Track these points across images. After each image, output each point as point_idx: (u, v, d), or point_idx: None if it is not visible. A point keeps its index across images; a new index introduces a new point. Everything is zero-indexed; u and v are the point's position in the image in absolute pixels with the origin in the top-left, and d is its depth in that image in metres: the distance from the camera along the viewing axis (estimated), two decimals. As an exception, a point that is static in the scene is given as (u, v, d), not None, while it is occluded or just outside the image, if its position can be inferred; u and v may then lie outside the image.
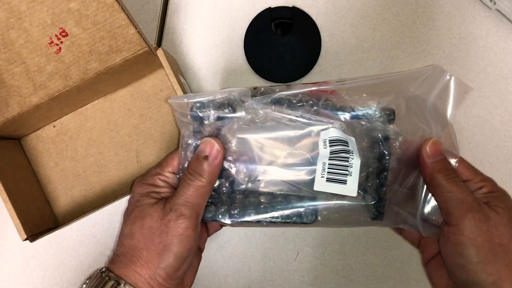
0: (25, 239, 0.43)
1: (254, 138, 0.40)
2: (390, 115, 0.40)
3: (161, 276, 0.37)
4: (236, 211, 0.40)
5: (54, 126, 0.50)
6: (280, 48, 0.49)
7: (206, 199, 0.39)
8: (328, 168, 0.39)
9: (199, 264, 0.43)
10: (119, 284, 0.37)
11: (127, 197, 0.49)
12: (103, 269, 0.39)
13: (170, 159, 0.41)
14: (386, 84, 0.40)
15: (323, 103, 0.39)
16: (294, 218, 0.40)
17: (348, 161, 0.39)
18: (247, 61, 0.50)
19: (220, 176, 0.41)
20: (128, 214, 0.40)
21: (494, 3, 0.47)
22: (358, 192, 0.40)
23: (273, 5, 0.50)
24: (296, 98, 0.40)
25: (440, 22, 0.49)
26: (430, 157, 0.38)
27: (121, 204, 0.49)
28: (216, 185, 0.41)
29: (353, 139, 0.39)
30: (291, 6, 0.50)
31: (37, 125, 0.49)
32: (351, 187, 0.39)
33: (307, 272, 0.48)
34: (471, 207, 0.36)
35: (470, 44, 0.49)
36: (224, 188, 0.41)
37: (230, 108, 0.39)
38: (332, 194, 0.40)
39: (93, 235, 0.50)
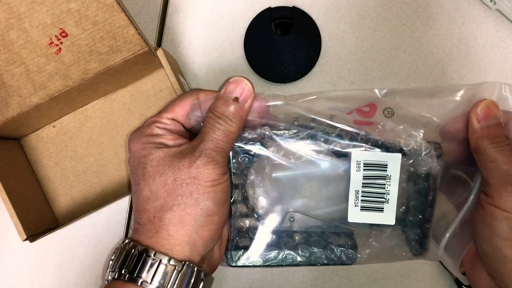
0: (25, 239, 0.43)
1: (287, 176, 0.38)
2: (437, 150, 0.37)
3: (204, 227, 0.33)
4: (272, 255, 0.38)
5: (54, 126, 0.50)
6: (280, 48, 0.49)
7: (232, 146, 0.36)
8: (362, 196, 0.36)
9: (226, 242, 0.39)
10: (148, 255, 0.32)
11: (127, 197, 0.49)
12: (125, 241, 0.34)
13: (171, 106, 0.37)
14: (428, 107, 0.37)
15: (363, 138, 0.37)
16: (333, 260, 0.38)
17: (384, 187, 0.36)
18: (247, 61, 0.50)
19: (250, 216, 0.38)
20: (139, 175, 0.34)
21: (494, 3, 0.47)
22: (398, 227, 0.37)
23: (273, 5, 0.50)
24: (334, 131, 0.37)
25: (440, 22, 0.49)
26: (480, 120, 0.35)
27: (121, 204, 0.49)
28: (246, 226, 0.38)
29: (398, 155, 0.36)
30: (291, 6, 0.50)
31: (37, 125, 0.49)
32: (388, 215, 0.36)
33: (307, 272, 0.48)
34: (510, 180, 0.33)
35: (470, 44, 0.49)
36: (255, 230, 0.38)
37: (261, 145, 0.37)
38: (370, 229, 0.38)
39: (93, 235, 0.50)
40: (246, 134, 0.37)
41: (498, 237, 0.33)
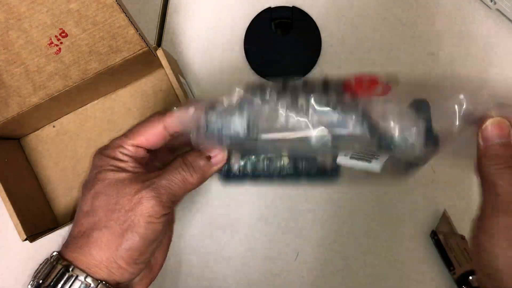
0: (25, 239, 0.43)
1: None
2: (428, 141, 0.34)
3: (123, 259, 0.33)
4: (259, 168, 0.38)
5: (54, 126, 0.50)
6: (280, 48, 0.49)
7: (186, 194, 0.36)
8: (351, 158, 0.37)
9: (170, 241, 0.40)
10: (67, 270, 0.33)
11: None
12: (53, 253, 0.35)
13: (136, 131, 0.37)
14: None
15: (355, 120, 0.34)
16: (318, 173, 0.37)
17: (372, 159, 0.37)
18: (247, 61, 0.50)
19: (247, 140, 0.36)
20: (88, 189, 0.35)
21: (495, 3, 0.47)
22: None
23: (273, 5, 0.50)
24: (326, 96, 0.34)
25: (440, 22, 0.49)
26: (484, 140, 0.33)
27: (121, 204, 0.49)
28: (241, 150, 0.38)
29: (384, 157, 0.36)
30: (291, 6, 0.50)
31: (37, 125, 0.49)
32: (375, 165, 0.37)
33: (307, 272, 0.48)
34: (506, 208, 0.31)
35: (470, 44, 0.49)
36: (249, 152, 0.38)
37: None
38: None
39: (93, 235, 0.50)
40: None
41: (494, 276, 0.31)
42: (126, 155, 0.36)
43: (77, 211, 0.36)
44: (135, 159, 0.36)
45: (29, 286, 0.35)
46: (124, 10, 0.39)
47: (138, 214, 0.33)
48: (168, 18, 0.51)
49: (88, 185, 0.36)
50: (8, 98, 0.41)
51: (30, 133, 0.50)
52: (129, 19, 0.39)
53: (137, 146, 0.37)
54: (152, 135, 0.37)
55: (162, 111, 0.38)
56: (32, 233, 0.44)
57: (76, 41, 0.40)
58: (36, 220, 0.46)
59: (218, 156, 0.37)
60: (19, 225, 0.42)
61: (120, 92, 0.49)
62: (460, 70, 0.49)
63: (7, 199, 0.42)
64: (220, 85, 0.50)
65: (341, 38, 0.50)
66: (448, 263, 0.46)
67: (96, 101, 0.49)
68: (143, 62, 0.44)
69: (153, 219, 0.34)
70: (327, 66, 0.49)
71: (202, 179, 0.36)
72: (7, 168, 0.45)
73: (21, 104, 0.42)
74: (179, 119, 0.37)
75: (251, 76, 0.50)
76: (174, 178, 0.35)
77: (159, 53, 0.43)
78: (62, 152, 0.50)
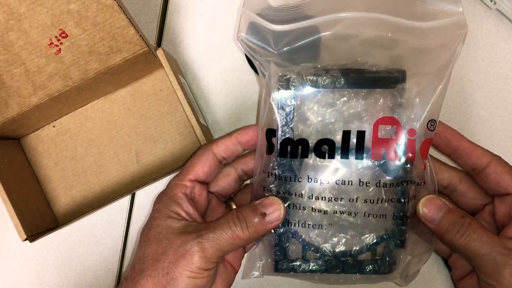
0: (25, 239, 0.43)
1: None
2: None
3: None
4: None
5: (54, 126, 0.50)
6: (280, 48, 0.49)
7: (236, 249, 0.36)
8: None
9: (230, 285, 0.39)
10: None
11: (127, 197, 0.49)
12: None
13: (190, 165, 0.38)
14: None
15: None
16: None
17: None
18: (247, 61, 0.50)
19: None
20: (144, 234, 0.36)
21: (495, 3, 0.47)
22: None
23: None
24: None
25: (441, 22, 0.49)
26: (430, 221, 0.35)
27: (121, 204, 0.49)
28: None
29: None
30: (291, 6, 0.50)
31: (37, 125, 0.49)
32: None
33: (307, 272, 0.48)
34: (502, 261, 0.32)
35: (470, 44, 0.49)
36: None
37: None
38: None
39: (93, 235, 0.50)
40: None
41: None
42: (184, 194, 0.36)
43: (135, 254, 0.36)
44: (193, 199, 0.37)
45: None
46: (124, 11, 0.39)
47: (180, 268, 0.33)
48: (168, 18, 0.51)
49: (144, 231, 0.36)
50: (8, 98, 0.41)
51: (30, 133, 0.50)
52: (129, 19, 0.39)
53: (194, 181, 0.37)
54: (204, 163, 0.38)
55: (206, 143, 0.40)
56: (32, 233, 0.44)
57: (76, 41, 0.40)
58: (36, 220, 0.46)
59: (275, 215, 0.36)
60: (19, 225, 0.42)
61: (120, 92, 0.49)
62: (460, 70, 0.49)
63: (7, 199, 0.42)
64: (220, 85, 0.50)
65: (341, 38, 0.50)
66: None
67: (96, 101, 0.49)
68: (143, 62, 0.44)
69: (196, 275, 0.33)
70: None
71: (254, 237, 0.35)
72: (7, 168, 0.45)
73: (21, 104, 0.42)
74: (224, 145, 0.38)
75: (251, 76, 0.50)
76: (224, 233, 0.34)
77: (159, 53, 0.43)
78: (62, 152, 0.50)
